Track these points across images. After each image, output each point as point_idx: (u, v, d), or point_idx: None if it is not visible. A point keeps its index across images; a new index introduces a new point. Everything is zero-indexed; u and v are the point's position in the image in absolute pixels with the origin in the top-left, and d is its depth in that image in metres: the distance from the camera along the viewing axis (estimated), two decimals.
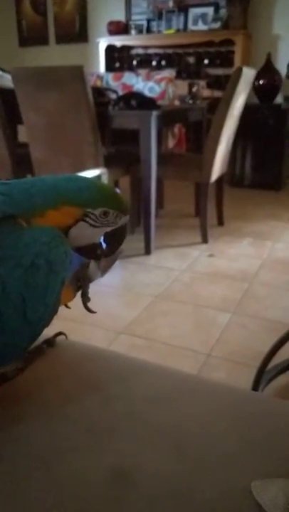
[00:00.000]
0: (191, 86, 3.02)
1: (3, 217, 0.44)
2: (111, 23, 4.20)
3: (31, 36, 4.73)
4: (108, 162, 2.27)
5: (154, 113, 2.13)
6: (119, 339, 1.56)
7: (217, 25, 3.80)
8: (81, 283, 0.53)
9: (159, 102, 2.50)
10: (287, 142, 3.62)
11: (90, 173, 2.01)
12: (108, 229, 0.50)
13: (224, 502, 0.39)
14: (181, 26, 3.98)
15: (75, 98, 2.08)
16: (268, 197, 3.53)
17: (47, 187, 0.47)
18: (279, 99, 3.70)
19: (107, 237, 0.51)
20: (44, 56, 4.63)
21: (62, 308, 0.53)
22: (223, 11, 3.80)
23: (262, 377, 1.17)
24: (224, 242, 2.53)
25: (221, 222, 2.80)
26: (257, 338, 1.54)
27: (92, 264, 0.53)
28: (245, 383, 1.20)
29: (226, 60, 3.88)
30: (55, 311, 0.47)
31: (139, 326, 1.65)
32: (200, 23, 3.89)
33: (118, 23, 4.20)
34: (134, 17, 4.19)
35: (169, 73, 3.11)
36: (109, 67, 4.30)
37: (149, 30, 4.14)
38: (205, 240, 2.49)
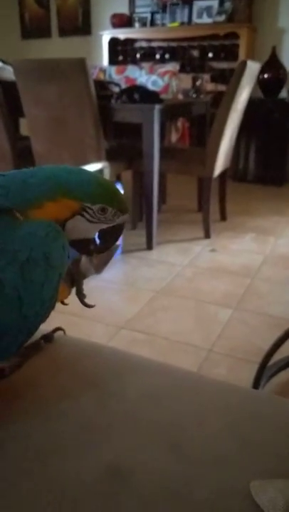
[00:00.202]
0: (194, 80, 3.00)
1: None
2: (114, 16, 4.17)
3: (34, 29, 4.69)
4: (110, 156, 2.25)
5: (157, 107, 2.11)
6: (120, 334, 1.56)
7: (222, 18, 3.76)
8: (74, 279, 0.53)
9: (163, 96, 2.47)
10: None
11: (91, 167, 1.99)
12: (104, 226, 0.49)
13: (222, 502, 0.39)
14: (185, 19, 3.93)
15: (77, 91, 2.06)
16: (272, 192, 3.50)
17: (47, 178, 0.46)
18: (284, 93, 3.67)
19: (102, 234, 0.50)
20: (47, 49, 4.60)
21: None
22: (228, 4, 3.76)
23: (263, 373, 1.16)
24: (227, 237, 2.51)
25: (223, 217, 2.78)
26: (258, 334, 1.53)
27: (84, 260, 0.52)
28: (246, 379, 1.19)
29: (231, 53, 3.84)
30: (52, 306, 0.46)
31: (140, 321, 1.64)
32: (204, 16, 3.85)
33: (122, 15, 4.16)
34: (137, 10, 4.15)
35: (173, 67, 3.07)
36: (113, 60, 4.26)
37: (152, 23, 4.09)
38: (207, 235, 2.47)
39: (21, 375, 0.53)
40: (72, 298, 0.54)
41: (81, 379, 0.53)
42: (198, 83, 2.95)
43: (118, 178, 2.68)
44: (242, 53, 3.72)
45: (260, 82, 3.56)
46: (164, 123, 2.87)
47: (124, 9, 4.20)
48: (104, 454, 0.42)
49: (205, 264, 2.17)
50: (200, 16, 3.87)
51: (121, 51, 4.30)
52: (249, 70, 2.24)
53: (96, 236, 0.50)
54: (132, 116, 2.23)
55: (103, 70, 2.91)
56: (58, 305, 0.51)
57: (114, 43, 4.24)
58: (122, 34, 4.17)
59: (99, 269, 0.54)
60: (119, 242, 0.55)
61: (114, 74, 2.85)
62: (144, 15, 4.11)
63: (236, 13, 3.73)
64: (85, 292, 0.55)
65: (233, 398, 0.51)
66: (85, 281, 0.54)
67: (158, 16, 4.06)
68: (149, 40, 4.20)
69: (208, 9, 3.83)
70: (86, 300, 0.55)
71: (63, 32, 4.56)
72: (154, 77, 2.77)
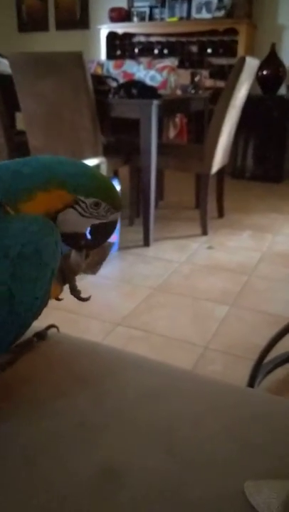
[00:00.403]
0: (193, 75, 2.98)
1: None
2: (113, 10, 4.13)
3: (31, 22, 4.64)
4: (107, 151, 2.23)
5: (155, 102, 2.10)
6: (117, 331, 1.55)
7: (221, 13, 3.74)
8: (65, 275, 0.51)
9: (161, 91, 2.45)
10: None
11: (88, 162, 1.98)
12: (96, 221, 0.48)
13: (216, 503, 0.38)
14: (184, 14, 3.91)
15: (74, 85, 2.04)
16: (269, 189, 3.50)
17: (40, 167, 0.45)
18: (282, 90, 3.65)
19: (94, 229, 0.49)
20: (44, 42, 4.56)
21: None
22: (227, 0, 3.73)
23: (259, 370, 1.16)
24: (224, 234, 2.50)
25: (221, 214, 2.77)
26: (255, 332, 1.53)
27: (74, 254, 0.51)
28: (242, 377, 1.19)
29: (230, 49, 3.82)
30: (44, 303, 0.45)
31: (136, 317, 1.64)
32: (204, 11, 3.82)
33: (120, 9, 4.13)
34: (136, 4, 4.11)
35: (171, 62, 3.05)
36: (110, 54, 4.23)
37: (151, 18, 4.07)
38: (205, 232, 2.47)
39: (13, 373, 0.52)
40: (68, 294, 0.53)
41: (75, 377, 0.52)
42: (196, 79, 2.93)
43: (115, 174, 2.67)
44: (241, 49, 3.70)
45: (259, 79, 3.55)
46: (161, 119, 2.85)
47: (122, 3, 4.17)
48: (97, 454, 0.42)
49: (202, 261, 2.16)
50: (199, 11, 3.84)
51: (119, 45, 4.27)
52: (248, 67, 2.22)
53: (88, 232, 0.49)
54: (129, 112, 2.21)
55: (101, 65, 2.88)
56: (54, 301, 0.50)
57: (112, 37, 4.21)
58: (120, 28, 4.14)
59: (93, 269, 0.53)
60: (114, 239, 0.54)
61: (112, 68, 2.83)
62: (142, 9, 4.08)
63: (236, 9, 3.71)
64: (79, 288, 0.53)
65: (229, 398, 0.51)
66: (80, 277, 0.53)
67: (157, 11, 4.03)
68: (147, 35, 4.18)
69: (207, 4, 3.80)
70: (81, 294, 0.54)
71: (61, 25, 4.52)
72: (152, 72, 2.74)
